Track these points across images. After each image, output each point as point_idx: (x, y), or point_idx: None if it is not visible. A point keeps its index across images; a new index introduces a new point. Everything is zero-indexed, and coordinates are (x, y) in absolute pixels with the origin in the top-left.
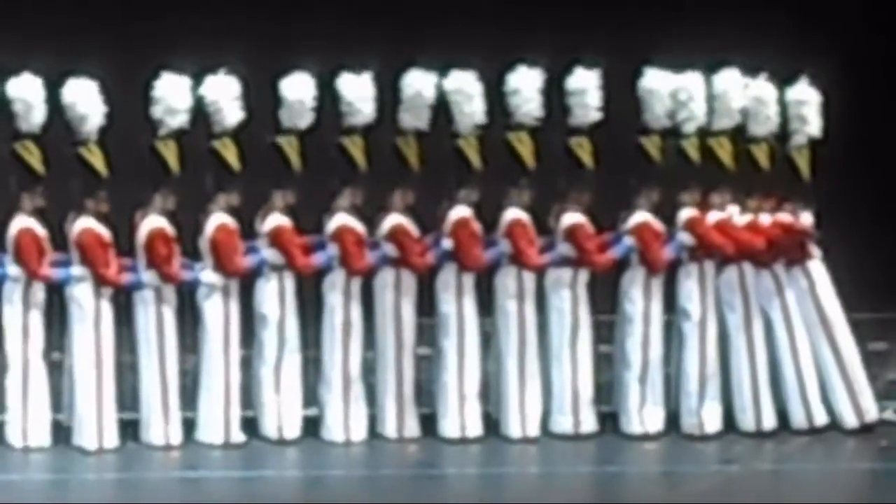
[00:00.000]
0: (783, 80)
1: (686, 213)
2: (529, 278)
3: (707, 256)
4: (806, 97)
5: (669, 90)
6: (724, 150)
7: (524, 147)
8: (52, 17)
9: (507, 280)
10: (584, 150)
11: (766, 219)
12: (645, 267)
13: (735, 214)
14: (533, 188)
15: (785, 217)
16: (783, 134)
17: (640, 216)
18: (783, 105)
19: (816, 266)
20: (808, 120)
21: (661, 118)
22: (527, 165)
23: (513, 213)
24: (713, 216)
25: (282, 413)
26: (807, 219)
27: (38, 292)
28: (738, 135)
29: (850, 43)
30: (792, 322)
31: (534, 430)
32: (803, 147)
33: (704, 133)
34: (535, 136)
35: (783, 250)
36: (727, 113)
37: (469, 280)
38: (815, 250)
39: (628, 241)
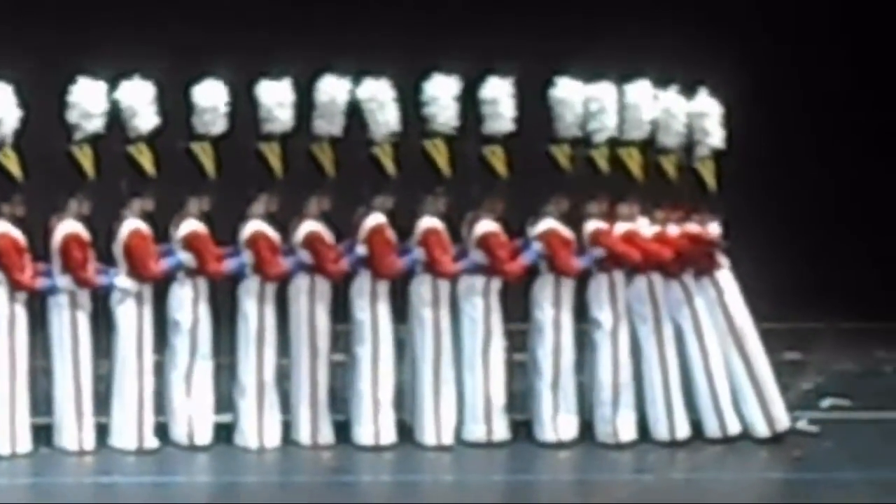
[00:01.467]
0: (688, 91)
1: (592, 225)
2: (444, 286)
3: (616, 266)
4: (707, 109)
5: (581, 100)
6: (633, 161)
7: (440, 155)
8: None
9: (421, 288)
10: (497, 158)
11: (673, 230)
12: (554, 274)
13: (644, 225)
14: (448, 196)
15: (692, 228)
16: (688, 145)
17: (548, 223)
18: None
19: (725, 276)
20: (710, 131)
21: (572, 127)
22: (443, 173)
23: (427, 221)
24: (621, 227)
25: (192, 419)
26: (714, 229)
27: None
28: (648, 146)
29: (756, 52)
30: (702, 331)
31: (448, 437)
32: (707, 158)
33: (614, 143)
34: (451, 144)
35: (691, 261)
36: (638, 124)
37: (383, 287)
38: (723, 260)
39: (537, 246)
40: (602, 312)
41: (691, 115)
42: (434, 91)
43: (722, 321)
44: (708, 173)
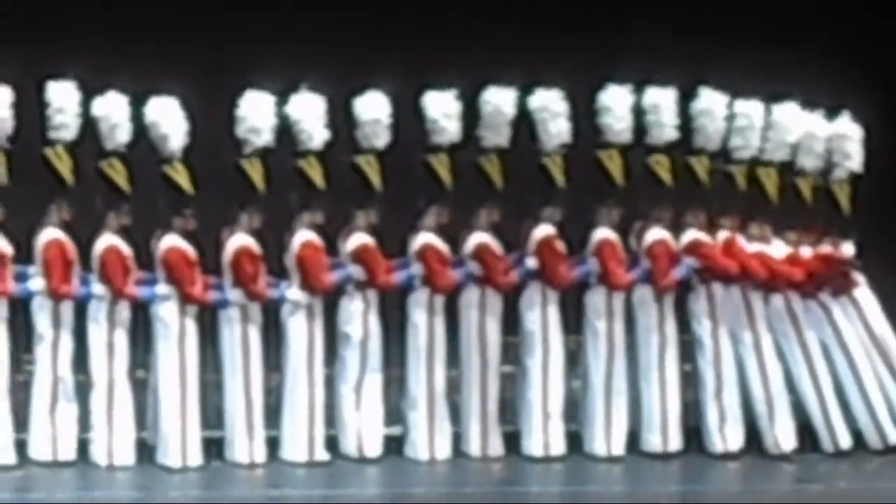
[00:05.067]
0: (830, 114)
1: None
2: (618, 297)
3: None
4: (849, 132)
5: (728, 115)
6: (770, 181)
7: (614, 165)
8: (136, 37)
9: (596, 299)
10: (661, 167)
11: (806, 251)
12: (707, 287)
13: (778, 247)
14: (619, 207)
15: (825, 249)
16: (825, 168)
17: (692, 234)
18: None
19: (863, 293)
20: (851, 155)
21: (713, 140)
22: (616, 184)
23: (602, 233)
24: (753, 246)
25: (362, 432)
26: (848, 250)
27: (124, 311)
28: (786, 167)
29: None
30: (848, 346)
31: (619, 448)
32: (844, 181)
33: (755, 162)
34: (625, 155)
35: (825, 281)
36: (781, 146)
37: (554, 298)
38: (859, 278)
39: (689, 261)
40: (742, 329)
41: (832, 137)
42: (608, 101)
43: (864, 336)
44: (844, 196)
